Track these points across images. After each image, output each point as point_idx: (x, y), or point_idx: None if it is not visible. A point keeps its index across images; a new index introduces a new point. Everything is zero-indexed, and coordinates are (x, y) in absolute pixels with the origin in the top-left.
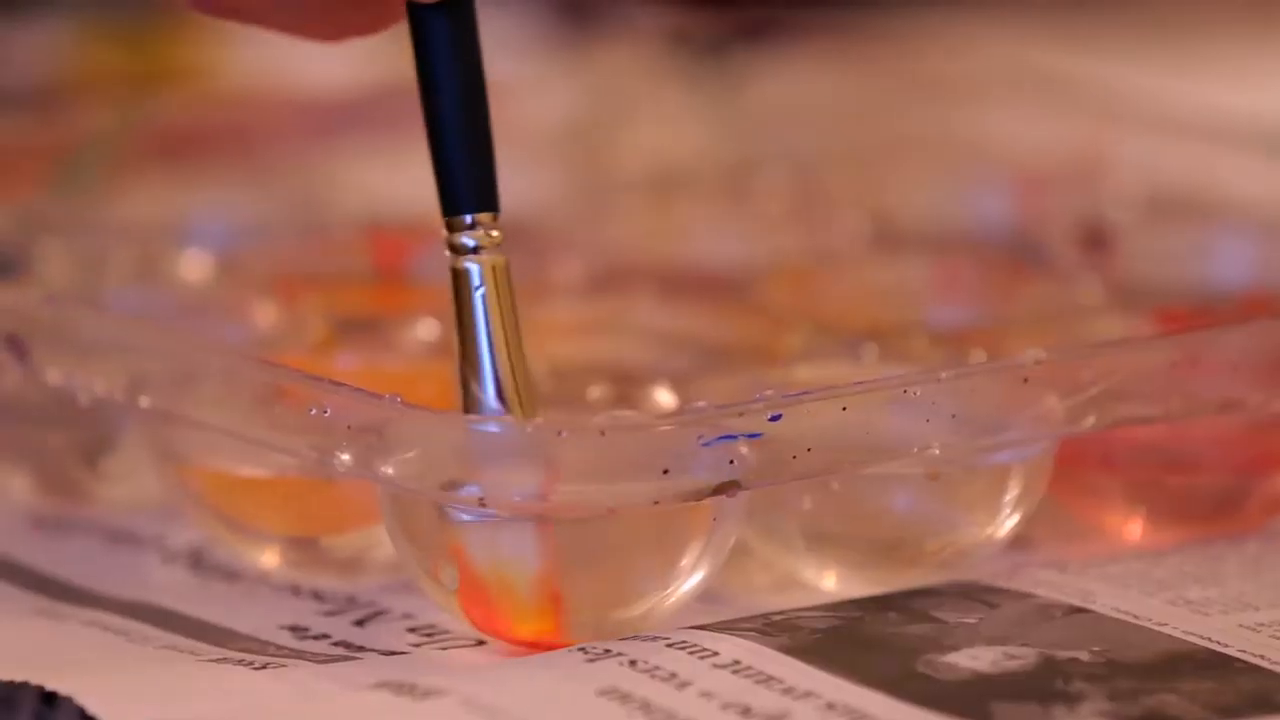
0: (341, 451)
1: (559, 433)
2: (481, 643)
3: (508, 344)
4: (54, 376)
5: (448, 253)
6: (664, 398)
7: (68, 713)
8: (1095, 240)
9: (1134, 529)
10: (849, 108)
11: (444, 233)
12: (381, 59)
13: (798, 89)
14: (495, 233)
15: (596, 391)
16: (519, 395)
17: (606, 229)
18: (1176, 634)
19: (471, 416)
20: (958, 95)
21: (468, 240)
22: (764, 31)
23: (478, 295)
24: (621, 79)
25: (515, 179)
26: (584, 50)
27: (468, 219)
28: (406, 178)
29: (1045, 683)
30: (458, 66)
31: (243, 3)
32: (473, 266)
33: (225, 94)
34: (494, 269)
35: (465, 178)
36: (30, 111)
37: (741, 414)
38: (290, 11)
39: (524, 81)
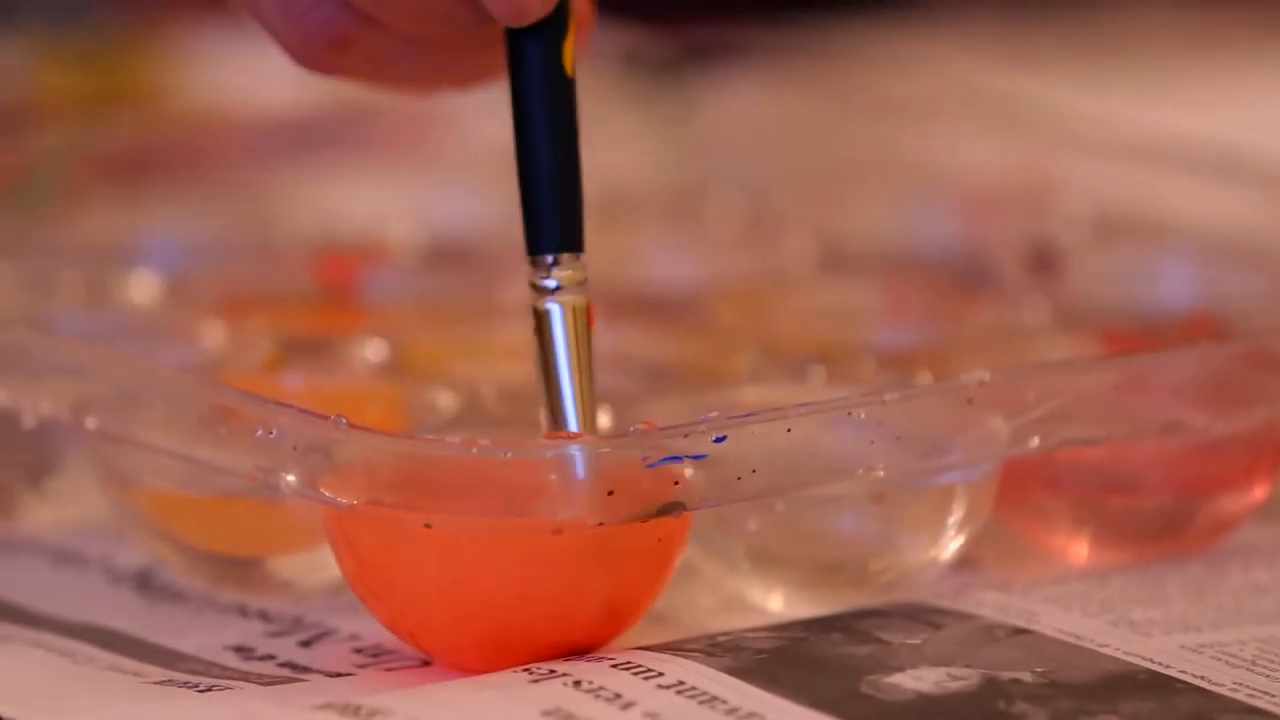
0: (287, 472)
1: (504, 454)
2: (427, 663)
3: (584, 381)
4: (1, 398)
5: (531, 290)
6: (608, 419)
7: None
8: (1042, 262)
9: (1078, 550)
10: (799, 129)
11: (528, 270)
12: (329, 82)
13: (748, 111)
14: (578, 273)
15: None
16: (589, 428)
17: None
18: (1118, 655)
19: (416, 438)
20: (907, 117)
21: (549, 282)
22: (715, 53)
23: (558, 337)
24: None
25: (466, 200)
26: None
27: (550, 259)
28: (355, 199)
29: (988, 703)
30: (551, 100)
31: (355, 67)
32: (554, 308)
33: (176, 115)
34: (574, 311)
35: (552, 216)
36: None
37: (686, 435)
38: (399, 74)
39: (475, 102)
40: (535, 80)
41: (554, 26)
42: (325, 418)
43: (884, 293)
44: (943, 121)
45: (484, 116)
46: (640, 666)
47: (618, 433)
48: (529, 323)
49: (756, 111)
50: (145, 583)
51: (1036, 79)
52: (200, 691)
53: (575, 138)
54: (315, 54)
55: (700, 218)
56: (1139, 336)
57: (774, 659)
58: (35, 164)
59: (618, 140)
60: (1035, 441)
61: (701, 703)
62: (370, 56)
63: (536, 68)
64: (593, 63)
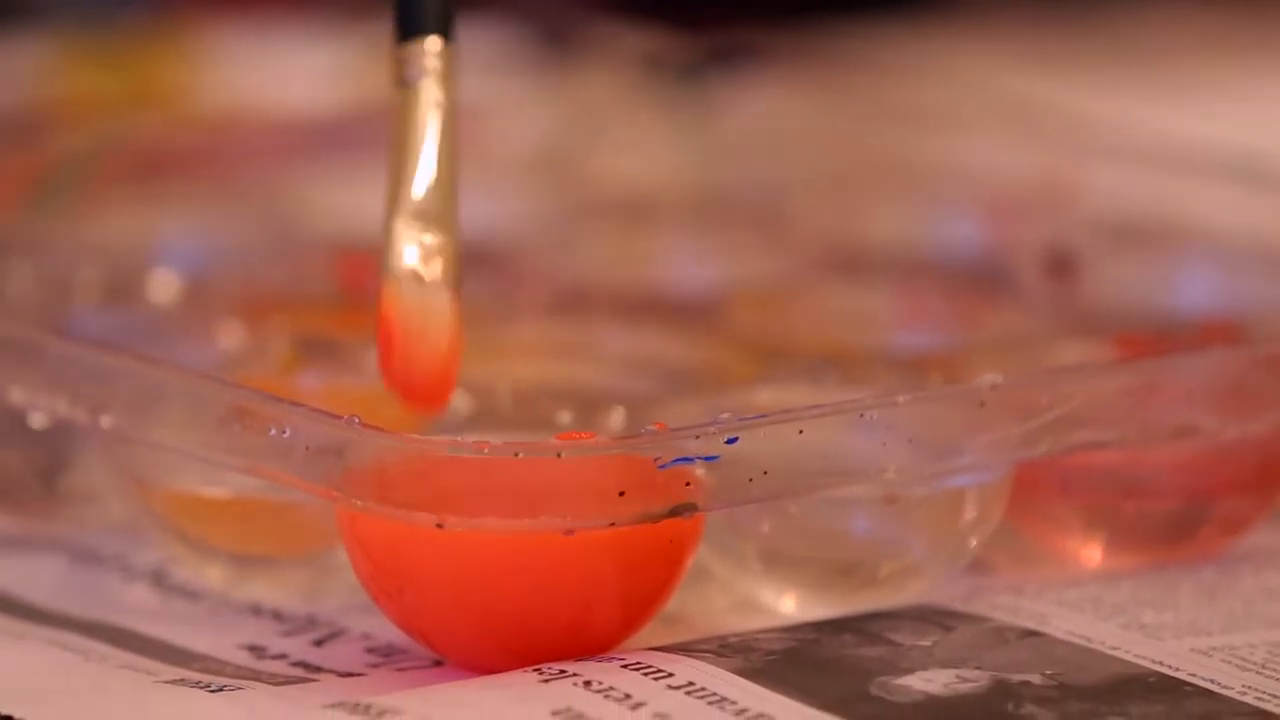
0: None
1: (515, 454)
2: (439, 663)
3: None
4: (16, 396)
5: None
6: (622, 420)
7: None
8: (1061, 267)
9: (1091, 554)
10: (820, 133)
11: (397, 63)
12: (352, 82)
13: (769, 115)
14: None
15: (563, 416)
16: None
17: (575, 253)
18: (1128, 658)
19: (428, 438)
20: (928, 121)
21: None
22: (737, 57)
23: (427, 110)
24: (595, 103)
25: (487, 202)
26: (559, 74)
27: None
28: (375, 200)
29: (996, 705)
30: None
31: None
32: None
33: (196, 116)
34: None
35: None
36: (7, 134)
37: (698, 437)
38: None
39: (498, 104)
40: None
41: None
42: (339, 418)
43: (901, 297)
44: (962, 126)
45: (506, 119)
46: (650, 667)
47: (629, 434)
48: (542, 319)
49: (777, 116)
50: (160, 581)
51: (1057, 84)
52: (212, 691)
53: None
54: None
55: (719, 221)
56: (1152, 341)
57: (784, 660)
58: (56, 164)
59: (640, 143)
60: (1047, 445)
61: (711, 703)
62: None
63: None
64: (614, 66)
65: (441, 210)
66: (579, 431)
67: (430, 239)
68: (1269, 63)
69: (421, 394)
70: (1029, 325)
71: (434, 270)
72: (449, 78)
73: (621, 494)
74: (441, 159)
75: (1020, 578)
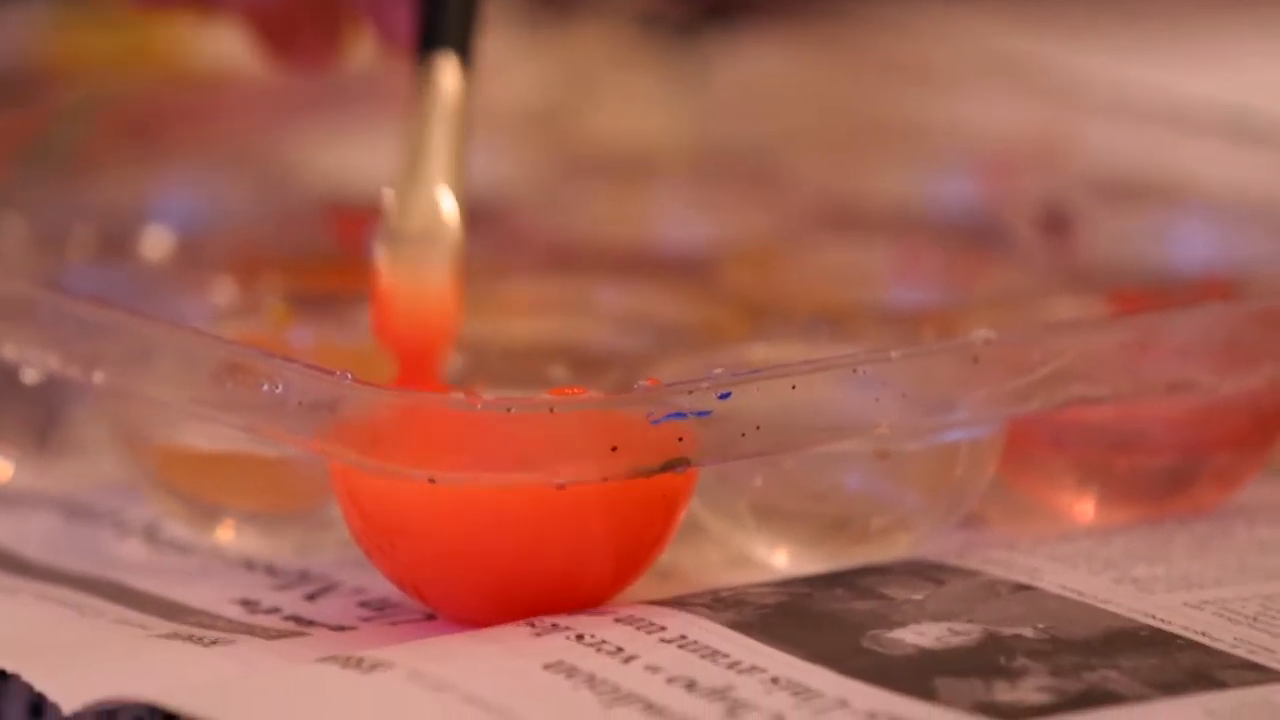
0: None
1: (507, 409)
2: (431, 617)
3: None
4: (9, 352)
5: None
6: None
7: (20, 687)
8: (1057, 223)
9: (1084, 508)
10: (815, 91)
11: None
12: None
13: (765, 72)
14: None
15: (557, 371)
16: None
17: (569, 210)
18: (1120, 611)
19: (420, 393)
20: (923, 79)
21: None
22: (733, 14)
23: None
24: (590, 60)
25: (481, 160)
26: (553, 31)
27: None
28: (368, 157)
29: (988, 658)
30: None
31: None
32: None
33: (191, 75)
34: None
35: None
36: (2, 92)
37: (690, 392)
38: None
39: (492, 61)
40: None
41: None
42: (331, 373)
43: (896, 254)
44: (958, 84)
45: (504, 75)
46: (643, 620)
47: (622, 389)
48: (536, 276)
49: (772, 73)
50: (153, 536)
51: (1052, 41)
52: (205, 645)
53: None
54: None
55: (714, 179)
56: (1146, 297)
57: (777, 614)
58: (51, 121)
59: (633, 101)
60: (1040, 400)
61: (703, 656)
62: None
63: None
64: (609, 23)
65: (448, 179)
66: (572, 387)
67: (435, 203)
68: (1263, 20)
69: (416, 353)
70: (1024, 281)
71: (437, 231)
72: (467, 85)
73: (614, 449)
74: (455, 136)
75: (1013, 532)
